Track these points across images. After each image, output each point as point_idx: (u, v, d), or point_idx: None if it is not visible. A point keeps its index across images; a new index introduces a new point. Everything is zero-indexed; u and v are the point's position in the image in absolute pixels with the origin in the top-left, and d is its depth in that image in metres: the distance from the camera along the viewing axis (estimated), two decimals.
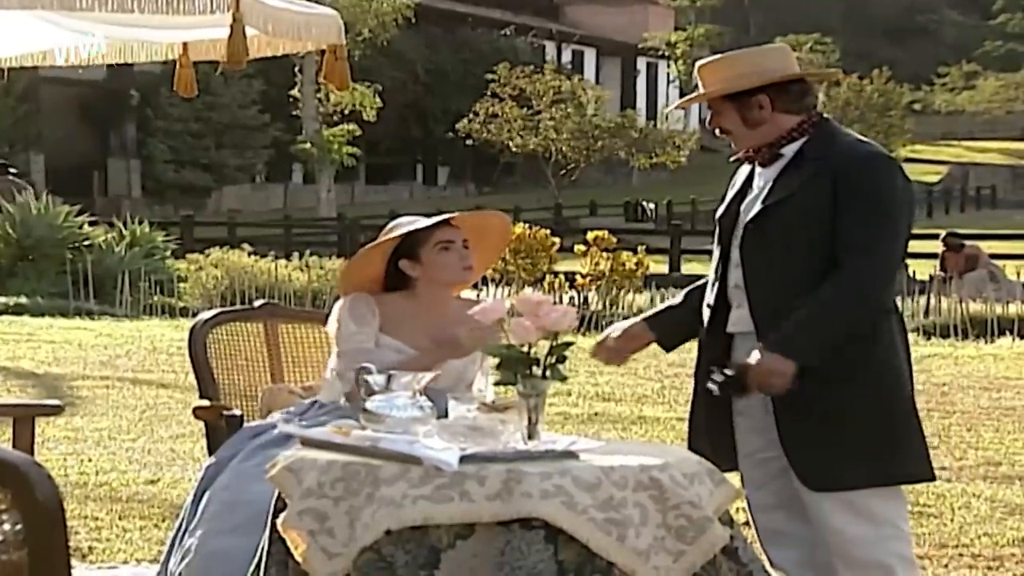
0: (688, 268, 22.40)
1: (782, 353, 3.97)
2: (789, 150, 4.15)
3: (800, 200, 4.07)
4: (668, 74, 56.46)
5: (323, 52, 5.76)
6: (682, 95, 57.38)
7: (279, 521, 3.58)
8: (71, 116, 37.69)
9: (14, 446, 4.50)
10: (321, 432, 3.85)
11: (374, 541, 3.46)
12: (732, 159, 4.29)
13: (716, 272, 4.25)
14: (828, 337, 4.00)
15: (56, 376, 10.88)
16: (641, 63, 57.13)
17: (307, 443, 3.78)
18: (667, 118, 46.43)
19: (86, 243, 17.47)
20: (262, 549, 3.69)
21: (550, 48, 52.27)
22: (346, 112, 34.98)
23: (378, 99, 34.92)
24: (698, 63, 4.35)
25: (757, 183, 4.22)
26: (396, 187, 45.84)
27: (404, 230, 4.51)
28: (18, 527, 2.25)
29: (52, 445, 7.95)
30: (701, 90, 4.26)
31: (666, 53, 52.89)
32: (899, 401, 4.10)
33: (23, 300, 16.09)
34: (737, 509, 5.51)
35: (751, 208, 4.17)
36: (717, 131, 4.25)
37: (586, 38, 55.13)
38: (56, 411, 5.10)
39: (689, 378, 4.37)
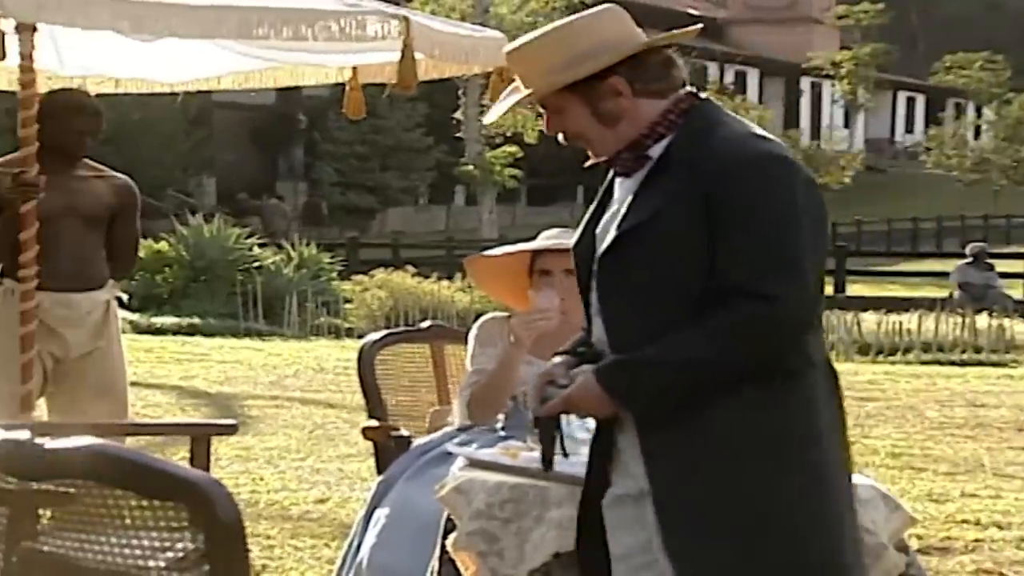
0: (852, 290, 22.05)
1: (606, 387, 2.94)
2: (656, 150, 3.02)
3: (665, 222, 2.92)
4: (833, 94, 55.75)
5: (489, 74, 5.81)
6: (847, 115, 56.66)
7: (448, 542, 3.59)
8: (242, 140, 38.49)
9: (191, 465, 4.59)
10: (489, 453, 3.86)
11: (543, 563, 3.46)
12: (588, 164, 3.15)
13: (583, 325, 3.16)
14: (679, 392, 2.90)
15: (227, 395, 11.07)
16: (805, 83, 56.54)
17: (475, 464, 3.80)
18: (829, 136, 45.32)
19: (255, 265, 17.83)
20: (432, 570, 3.71)
21: (712, 69, 51.99)
22: (508, 134, 35.17)
23: (540, 121, 35.05)
24: (505, 50, 3.23)
25: (618, 198, 3.09)
26: (557, 208, 45.88)
27: (527, 246, 4.41)
28: (198, 545, 2.28)
29: (225, 463, 8.08)
30: (521, 84, 3.14)
31: (831, 73, 52.21)
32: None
33: (196, 320, 16.45)
34: (910, 536, 5.39)
35: (605, 235, 3.04)
36: (561, 137, 3.13)
37: (749, 59, 54.73)
38: (231, 430, 5.18)
39: None
